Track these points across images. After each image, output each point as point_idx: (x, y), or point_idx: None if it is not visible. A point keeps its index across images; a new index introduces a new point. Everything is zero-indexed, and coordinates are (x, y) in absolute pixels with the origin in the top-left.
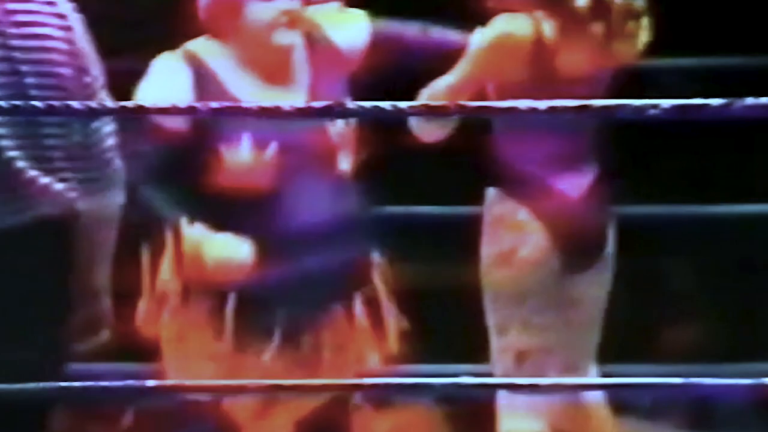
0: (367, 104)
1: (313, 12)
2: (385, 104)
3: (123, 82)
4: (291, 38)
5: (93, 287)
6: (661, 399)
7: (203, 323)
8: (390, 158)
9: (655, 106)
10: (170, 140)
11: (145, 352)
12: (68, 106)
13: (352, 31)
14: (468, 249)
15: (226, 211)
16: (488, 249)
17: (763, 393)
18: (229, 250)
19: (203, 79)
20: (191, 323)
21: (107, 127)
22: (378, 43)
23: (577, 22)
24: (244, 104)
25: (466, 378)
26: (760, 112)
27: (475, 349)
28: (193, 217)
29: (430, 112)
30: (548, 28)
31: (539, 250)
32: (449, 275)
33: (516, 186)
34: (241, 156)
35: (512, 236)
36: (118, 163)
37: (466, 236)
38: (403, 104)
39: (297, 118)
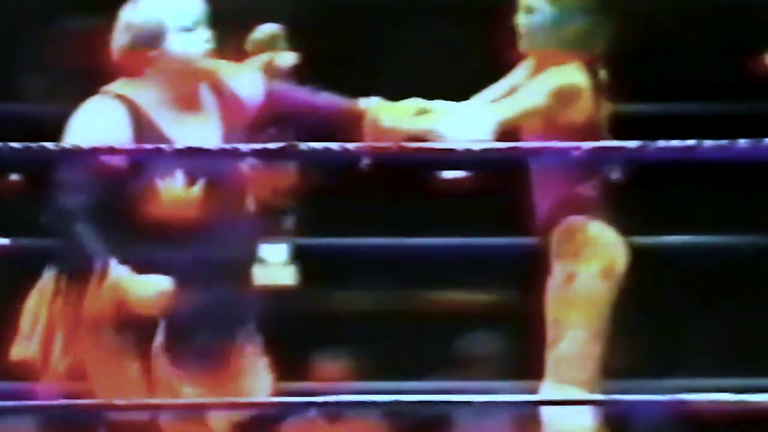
0: (318, 145)
1: (214, 63)
2: (334, 145)
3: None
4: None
5: None
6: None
7: (126, 351)
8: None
9: (577, 148)
10: (108, 176)
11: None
12: (10, 148)
13: (249, 83)
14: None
15: (150, 243)
16: (587, 267)
17: (681, 409)
18: (150, 288)
19: (136, 118)
20: (114, 351)
21: None
22: (271, 99)
23: (597, 72)
24: (204, 145)
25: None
26: (672, 155)
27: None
28: (119, 249)
29: (377, 152)
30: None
31: (626, 263)
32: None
33: (597, 210)
34: (175, 189)
35: (610, 252)
36: None
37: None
38: (350, 145)
39: (253, 157)
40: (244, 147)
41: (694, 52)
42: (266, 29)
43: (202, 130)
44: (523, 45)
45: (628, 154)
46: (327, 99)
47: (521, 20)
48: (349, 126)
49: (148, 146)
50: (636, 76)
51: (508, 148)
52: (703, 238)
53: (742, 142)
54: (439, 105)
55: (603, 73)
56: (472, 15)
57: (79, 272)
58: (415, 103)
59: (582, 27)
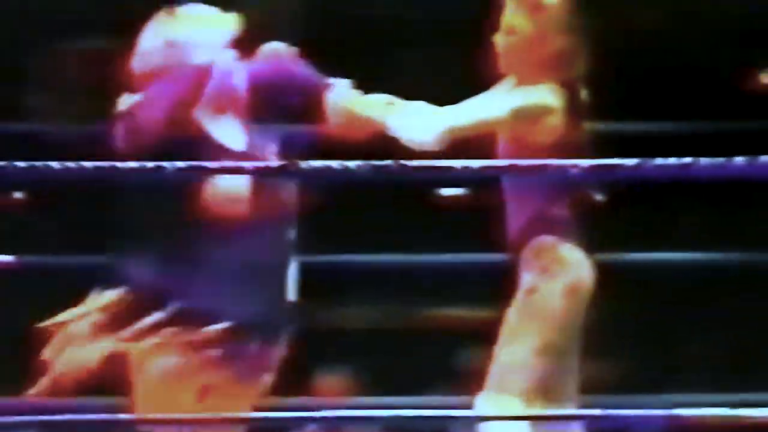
0: (318, 164)
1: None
2: (335, 163)
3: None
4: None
5: None
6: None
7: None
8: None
9: (575, 166)
10: None
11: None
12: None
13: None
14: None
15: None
16: (552, 283)
17: (677, 423)
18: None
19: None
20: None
21: None
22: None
23: (576, 93)
24: (207, 164)
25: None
26: (669, 172)
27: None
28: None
29: (377, 171)
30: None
31: (592, 284)
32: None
33: (569, 230)
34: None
35: (577, 272)
36: None
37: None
38: (352, 164)
39: (255, 175)
40: (245, 165)
41: (688, 70)
42: (272, 47)
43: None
44: (502, 65)
45: (625, 172)
46: (305, 74)
47: (500, 40)
48: (318, 105)
49: (150, 164)
50: (629, 95)
51: (507, 167)
52: (695, 255)
53: (739, 160)
54: (404, 102)
55: (583, 94)
56: (460, 35)
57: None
58: (384, 96)
59: (560, 49)
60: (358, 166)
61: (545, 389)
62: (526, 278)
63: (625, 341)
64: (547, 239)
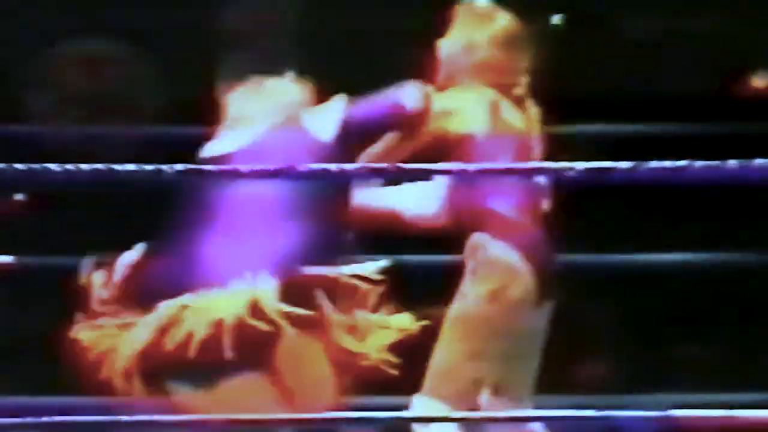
0: (316, 166)
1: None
2: (332, 166)
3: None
4: None
5: None
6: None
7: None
8: None
9: (570, 169)
10: None
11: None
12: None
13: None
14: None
15: None
16: (477, 287)
17: (671, 424)
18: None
19: None
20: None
21: None
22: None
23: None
24: (206, 167)
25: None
26: (663, 175)
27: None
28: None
29: (373, 173)
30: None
31: (526, 289)
32: None
33: (503, 229)
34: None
35: (503, 276)
36: None
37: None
38: (348, 166)
39: (252, 178)
40: (243, 168)
41: (678, 72)
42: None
43: None
44: (441, 72)
45: (620, 174)
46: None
47: (439, 48)
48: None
49: (150, 167)
50: (619, 96)
51: (505, 169)
52: (688, 256)
53: (732, 163)
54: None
55: (526, 102)
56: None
57: None
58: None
59: (491, 60)
60: (355, 168)
61: (490, 391)
62: (462, 282)
63: (619, 341)
64: (480, 237)
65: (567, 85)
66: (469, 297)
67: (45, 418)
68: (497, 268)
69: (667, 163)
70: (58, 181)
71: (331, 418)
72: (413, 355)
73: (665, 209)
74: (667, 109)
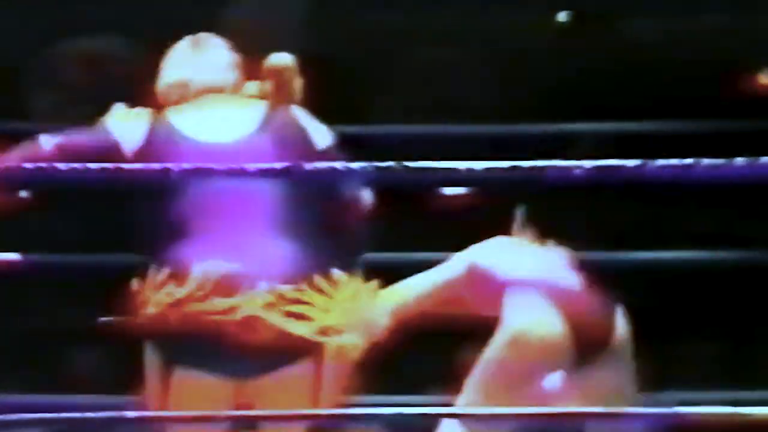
0: (322, 166)
1: None
2: (338, 165)
3: None
4: None
5: None
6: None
7: None
8: None
9: (579, 167)
10: None
11: None
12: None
13: None
14: None
15: None
16: (502, 329)
17: (675, 422)
18: None
19: None
20: None
21: None
22: None
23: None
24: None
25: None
26: (671, 173)
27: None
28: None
29: (378, 172)
30: None
31: (551, 333)
32: None
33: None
34: None
35: (526, 318)
36: None
37: None
38: (354, 165)
39: (258, 177)
40: (248, 167)
41: (684, 70)
42: (278, 58)
43: None
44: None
45: (627, 172)
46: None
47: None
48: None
49: (156, 165)
50: (628, 96)
51: (510, 168)
52: (692, 254)
53: (740, 161)
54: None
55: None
56: None
57: None
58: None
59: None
60: (361, 168)
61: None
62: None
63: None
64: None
65: (567, 84)
66: (494, 340)
67: (49, 414)
68: (522, 310)
69: (675, 161)
70: (64, 179)
71: (337, 414)
72: (413, 354)
73: (670, 207)
74: (675, 107)
